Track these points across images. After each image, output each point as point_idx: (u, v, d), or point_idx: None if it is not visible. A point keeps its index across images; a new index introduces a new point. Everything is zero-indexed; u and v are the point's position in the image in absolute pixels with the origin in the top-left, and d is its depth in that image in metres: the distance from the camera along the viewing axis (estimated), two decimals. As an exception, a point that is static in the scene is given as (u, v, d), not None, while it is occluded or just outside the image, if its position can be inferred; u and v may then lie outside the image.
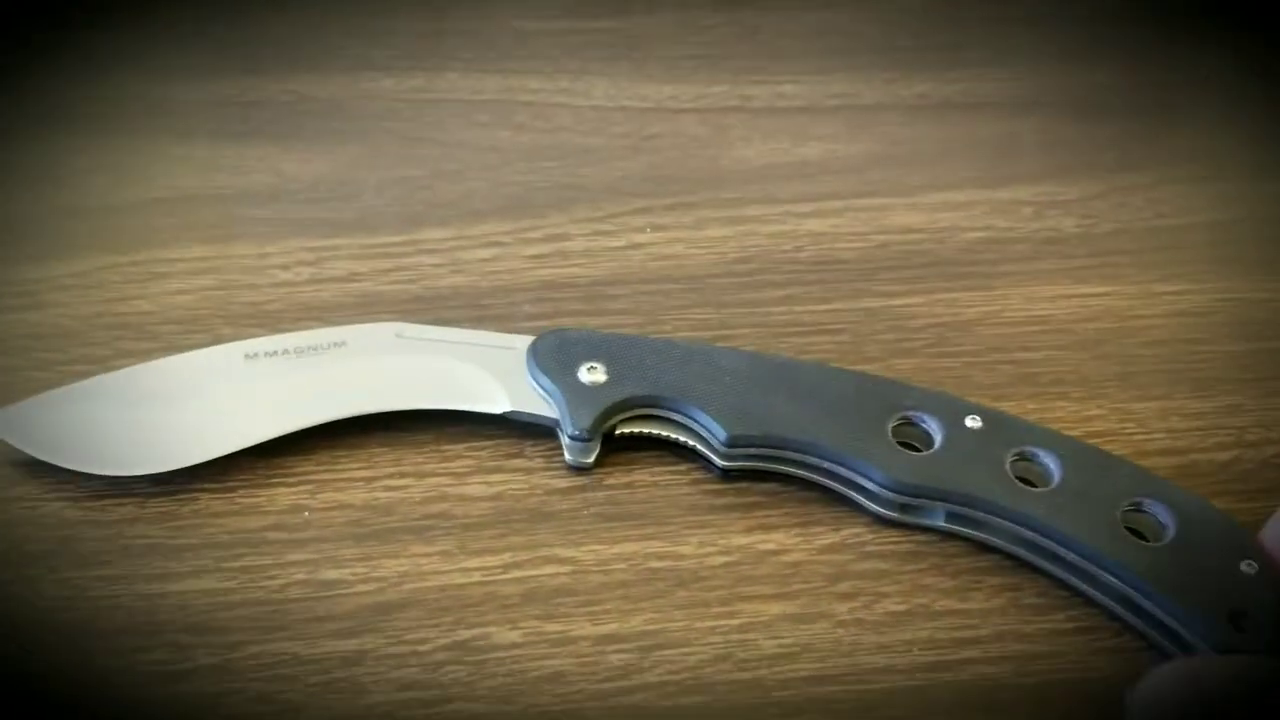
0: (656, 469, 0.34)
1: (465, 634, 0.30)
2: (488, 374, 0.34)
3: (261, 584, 0.31)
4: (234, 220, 0.40)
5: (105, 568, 0.31)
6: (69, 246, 0.39)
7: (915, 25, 0.48)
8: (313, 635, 0.30)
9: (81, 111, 0.44)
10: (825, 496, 0.33)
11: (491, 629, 0.30)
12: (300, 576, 0.31)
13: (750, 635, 0.30)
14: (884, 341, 0.37)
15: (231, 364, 0.34)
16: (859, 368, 0.36)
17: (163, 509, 0.32)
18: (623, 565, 0.32)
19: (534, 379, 0.34)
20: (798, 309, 0.38)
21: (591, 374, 0.33)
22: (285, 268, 0.39)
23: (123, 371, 0.34)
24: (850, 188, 0.43)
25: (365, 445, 0.34)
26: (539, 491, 0.33)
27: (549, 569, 0.31)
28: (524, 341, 0.34)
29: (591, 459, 0.33)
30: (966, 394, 0.35)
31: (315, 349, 0.34)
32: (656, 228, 0.41)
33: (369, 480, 0.33)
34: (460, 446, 0.34)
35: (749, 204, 0.42)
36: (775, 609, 0.31)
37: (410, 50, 0.46)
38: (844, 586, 0.31)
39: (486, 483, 0.33)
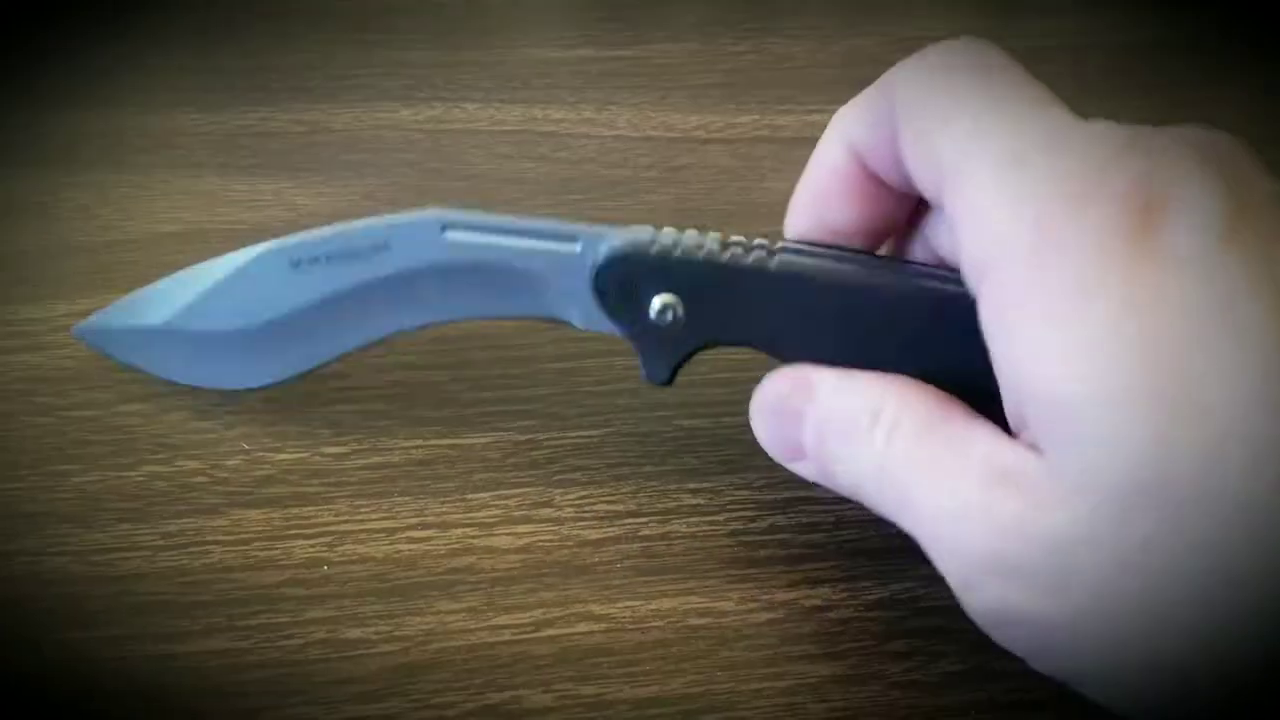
0: (693, 519, 0.32)
1: (495, 697, 0.28)
2: (553, 283, 0.30)
3: (279, 644, 0.29)
4: (246, 256, 0.39)
5: (112, 627, 0.29)
6: (71, 285, 0.37)
7: (946, 54, 0.47)
8: (334, 699, 0.28)
9: (80, 144, 0.42)
10: (872, 548, 0.31)
11: (523, 692, 0.28)
12: (320, 636, 0.29)
13: (798, 699, 0.28)
14: (927, 382, 0.36)
15: (280, 274, 0.32)
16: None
17: (173, 563, 0.30)
18: (660, 623, 0.30)
19: (601, 310, 0.30)
20: (837, 348, 0.37)
21: (665, 312, 0.29)
22: (300, 306, 0.37)
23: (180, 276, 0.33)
24: (887, 221, 0.41)
25: (387, 494, 0.32)
26: (570, 543, 0.31)
27: (582, 627, 0.30)
28: (592, 240, 0.30)
29: (671, 382, 0.30)
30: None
31: (359, 254, 0.31)
32: (686, 263, 0.39)
33: (391, 531, 0.31)
34: (486, 495, 0.32)
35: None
36: (824, 670, 0.29)
37: (427, 80, 0.45)
38: (896, 645, 0.29)
39: (514, 534, 0.31)
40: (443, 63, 0.46)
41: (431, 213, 0.31)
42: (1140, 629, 0.21)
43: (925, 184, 0.26)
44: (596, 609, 0.30)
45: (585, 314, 0.30)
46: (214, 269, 0.33)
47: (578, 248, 0.30)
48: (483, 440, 0.33)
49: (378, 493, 0.32)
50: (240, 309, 0.32)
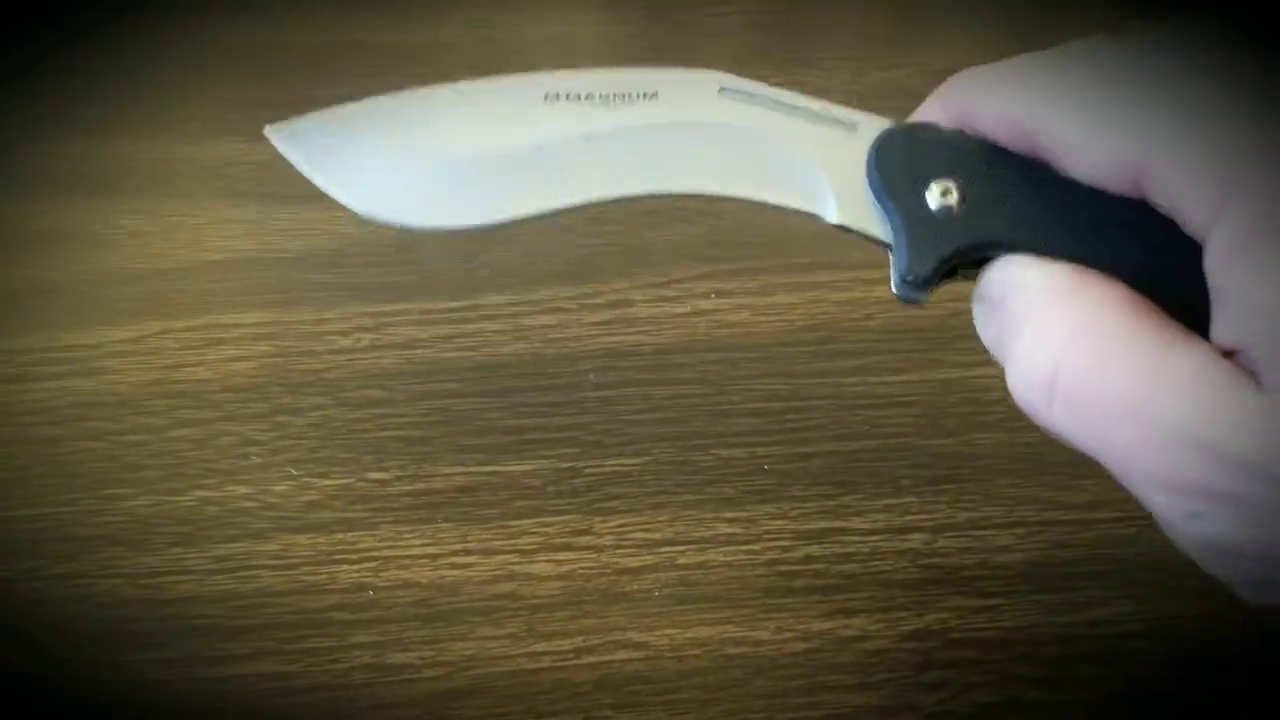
0: (730, 548, 0.32)
1: (536, 724, 0.29)
2: (820, 167, 0.28)
3: (325, 668, 0.30)
4: (292, 284, 0.39)
5: (162, 650, 0.30)
6: (120, 312, 0.38)
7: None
8: (378, 724, 0.29)
9: (130, 173, 0.43)
10: (906, 578, 0.32)
11: (563, 719, 0.29)
12: (365, 660, 0.30)
13: (834, 728, 0.29)
14: (960, 415, 0.36)
15: (529, 105, 0.29)
16: (935, 442, 0.35)
17: (222, 587, 0.31)
18: (698, 651, 0.30)
19: (871, 189, 0.27)
20: (871, 380, 0.37)
21: (944, 198, 0.26)
22: (345, 334, 0.38)
23: (405, 95, 0.29)
24: (920, 253, 0.42)
25: (430, 520, 0.33)
26: (609, 571, 0.32)
27: (621, 654, 0.30)
28: (871, 127, 0.28)
29: (924, 298, 0.27)
30: (1047, 472, 0.34)
31: (624, 98, 0.29)
32: (721, 294, 0.40)
33: (434, 557, 0.32)
34: (527, 522, 0.33)
35: (816, 269, 0.41)
36: (859, 700, 0.29)
37: (467, 110, 0.46)
38: (930, 676, 0.30)
39: (554, 561, 0.32)
40: (482, 93, 0.46)
41: (710, 72, 0.29)
42: None
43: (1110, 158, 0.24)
44: (635, 637, 0.31)
45: (849, 201, 0.27)
46: (448, 91, 0.29)
47: (857, 125, 0.28)
48: (524, 467, 0.34)
49: (421, 519, 0.33)
50: (478, 134, 0.29)
